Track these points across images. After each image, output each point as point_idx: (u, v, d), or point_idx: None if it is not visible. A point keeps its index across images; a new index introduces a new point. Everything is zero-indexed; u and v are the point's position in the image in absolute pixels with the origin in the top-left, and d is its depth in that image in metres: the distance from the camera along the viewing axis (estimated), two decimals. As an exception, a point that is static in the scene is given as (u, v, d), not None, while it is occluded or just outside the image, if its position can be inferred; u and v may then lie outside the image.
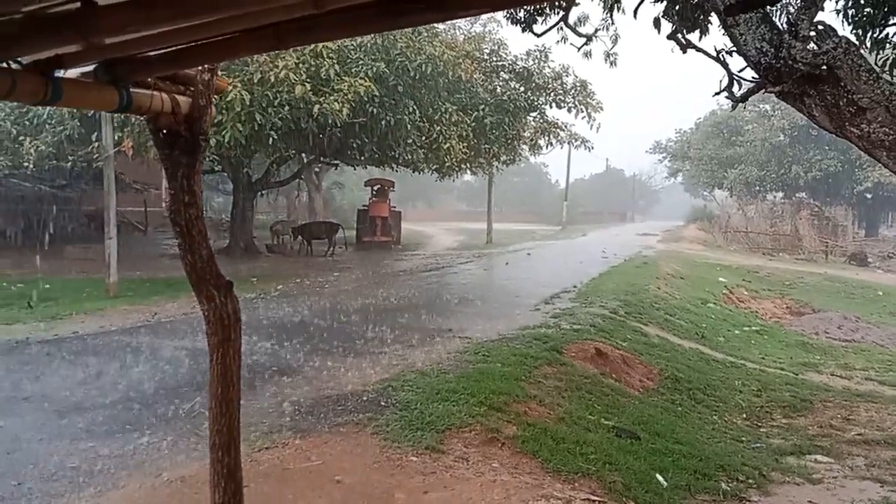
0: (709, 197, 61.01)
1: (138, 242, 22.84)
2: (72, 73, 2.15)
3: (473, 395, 6.33)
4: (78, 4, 1.74)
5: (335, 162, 25.09)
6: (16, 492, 4.58)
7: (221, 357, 2.42)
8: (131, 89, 2.24)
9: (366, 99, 16.27)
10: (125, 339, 9.74)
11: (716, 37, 8.66)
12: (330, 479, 4.53)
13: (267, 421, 5.74)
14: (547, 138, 24.52)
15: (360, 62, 16.66)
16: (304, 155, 23.12)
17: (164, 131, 2.46)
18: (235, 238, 22.01)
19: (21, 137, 16.05)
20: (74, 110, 15.42)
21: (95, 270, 15.56)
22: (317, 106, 15.12)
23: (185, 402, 6.54)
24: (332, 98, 15.36)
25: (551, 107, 23.46)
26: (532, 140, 24.39)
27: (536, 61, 22.41)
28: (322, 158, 24.05)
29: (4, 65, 1.83)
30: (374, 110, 17.49)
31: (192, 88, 2.50)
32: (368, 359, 8.29)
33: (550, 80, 22.58)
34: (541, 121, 24.18)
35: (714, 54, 7.61)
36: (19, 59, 1.88)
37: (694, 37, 8.51)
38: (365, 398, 6.35)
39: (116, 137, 14.39)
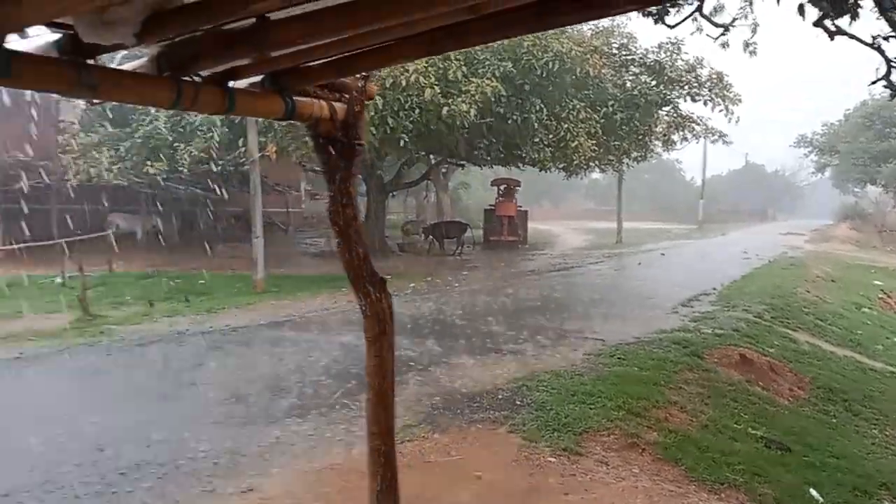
0: (860, 193, 56.17)
1: (281, 241, 24.15)
2: (241, 83, 2.31)
3: (611, 399, 6.20)
4: (253, 20, 1.87)
5: (462, 162, 25.39)
6: (183, 470, 4.98)
7: (377, 350, 2.51)
8: (294, 98, 2.37)
9: (493, 99, 16.33)
10: (273, 333, 10.36)
11: (867, 21, 7.95)
12: (470, 474, 4.59)
13: (407, 415, 5.90)
14: (681, 133, 23.57)
15: (487, 62, 16.75)
16: (432, 156, 23.57)
17: (323, 137, 2.58)
18: (369, 238, 22.79)
19: (176, 144, 17.44)
20: (223, 118, 16.56)
21: (243, 267, 16.65)
22: (445, 108, 15.37)
23: (331, 392, 6.86)
24: (459, 99, 15.55)
25: (685, 100, 22.54)
26: (665, 135, 23.52)
27: (668, 54, 21.59)
28: (450, 159, 24.41)
29: (188, 78, 1.99)
30: (501, 110, 17.51)
31: (346, 95, 2.61)
32: (501, 358, 8.32)
33: (684, 72, 21.67)
34: (674, 115, 23.27)
35: (869, 41, 7.01)
36: (200, 72, 2.03)
37: (842, 22, 7.88)
38: (499, 396, 6.38)
39: (260, 142, 15.32)
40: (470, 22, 1.89)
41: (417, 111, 15.65)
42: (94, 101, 1.79)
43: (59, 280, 15.24)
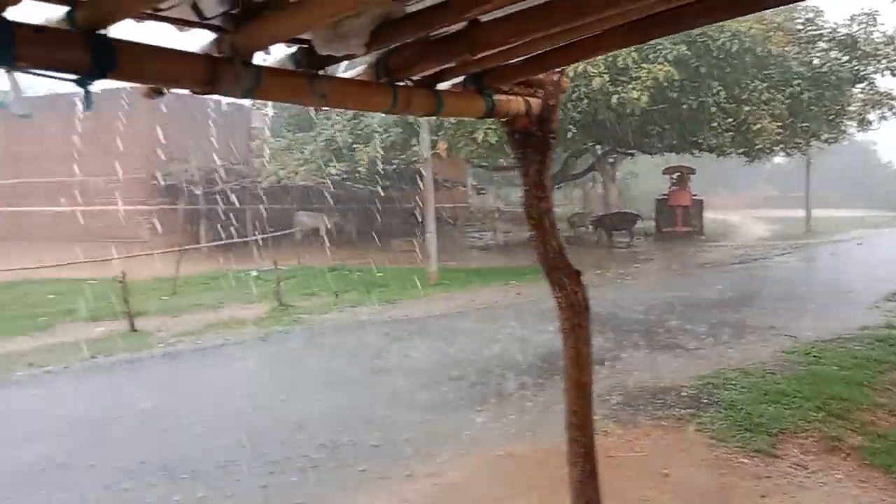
0: None
1: (449, 235, 24.82)
2: (443, 85, 2.42)
3: (808, 399, 5.76)
4: (463, 24, 1.95)
5: (631, 151, 24.62)
6: (372, 451, 5.31)
7: (574, 342, 2.54)
8: (494, 96, 2.45)
9: (665, 84, 15.68)
10: (448, 323, 10.72)
11: None
12: (657, 472, 4.48)
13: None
14: (878, 112, 21.25)
15: (659, 47, 16.09)
16: (599, 146, 23.06)
17: (519, 132, 2.64)
18: (535, 230, 22.80)
19: (355, 146, 18.50)
20: (398, 119, 17.34)
21: (416, 261, 17.33)
22: (615, 96, 14.99)
23: (507, 381, 6.99)
24: (629, 87, 15.10)
25: (883, 75, 20.28)
26: (860, 115, 21.34)
27: (863, 26, 19.53)
28: (618, 148, 23.76)
29: (401, 83, 2.12)
30: (675, 95, 16.76)
31: (541, 90, 2.64)
32: (682, 353, 8.02)
33: (881, 45, 19.52)
34: (870, 92, 21.02)
35: None
36: (412, 77, 2.16)
37: None
38: (684, 394, 6.16)
39: (431, 141, 15.85)
40: (682, 7, 1.85)
41: (585, 101, 15.40)
42: (322, 107, 1.94)
43: (254, 273, 16.75)
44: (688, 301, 11.85)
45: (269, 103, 22.15)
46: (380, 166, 19.28)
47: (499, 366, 7.81)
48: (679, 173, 26.83)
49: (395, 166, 19.74)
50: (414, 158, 17.05)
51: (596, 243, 23.34)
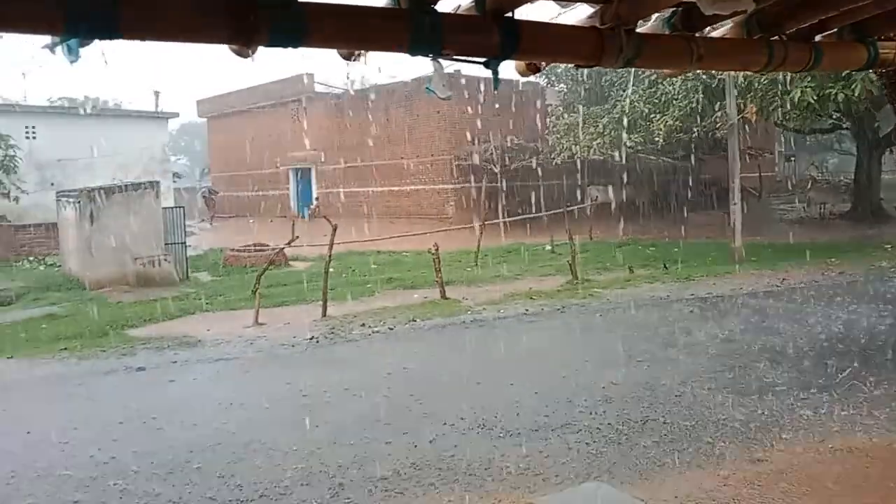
0: None
1: (753, 208, 22.87)
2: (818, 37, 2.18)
3: None
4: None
5: None
6: (689, 432, 5.11)
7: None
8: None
9: None
10: (759, 302, 9.91)
11: None
12: None
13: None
14: None
15: None
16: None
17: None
18: (860, 200, 20.00)
19: (651, 115, 17.86)
20: (699, 84, 16.33)
21: (717, 235, 16.28)
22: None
23: (833, 369, 6.28)
24: None
25: None
26: None
27: None
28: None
29: (776, 38, 1.95)
30: None
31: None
32: None
33: None
34: None
35: None
36: (787, 31, 1.98)
37: None
38: None
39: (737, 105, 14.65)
40: None
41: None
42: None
43: (548, 247, 17.17)
44: None
45: (563, 79, 22.36)
46: (678, 136, 18.44)
47: (822, 351, 7.02)
48: None
49: (693, 135, 18.67)
50: (718, 125, 15.91)
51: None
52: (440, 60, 1.39)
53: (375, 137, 26.40)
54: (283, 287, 12.83)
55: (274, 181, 31.88)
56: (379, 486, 4.40)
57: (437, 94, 1.70)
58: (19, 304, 12.47)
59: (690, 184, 22.96)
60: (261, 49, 1.47)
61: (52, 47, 1.37)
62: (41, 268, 15.81)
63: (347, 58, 1.52)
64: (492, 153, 22.21)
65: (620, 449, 4.87)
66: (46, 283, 14.02)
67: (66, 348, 8.67)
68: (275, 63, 36.09)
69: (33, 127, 23.49)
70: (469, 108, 23.96)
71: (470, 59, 1.36)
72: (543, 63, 1.73)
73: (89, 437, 5.49)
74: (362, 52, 1.41)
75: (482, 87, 21.52)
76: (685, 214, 21.06)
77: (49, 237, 17.34)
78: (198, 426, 5.72)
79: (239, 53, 1.42)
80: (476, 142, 23.32)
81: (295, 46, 1.38)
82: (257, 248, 16.22)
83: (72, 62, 1.33)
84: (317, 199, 29.26)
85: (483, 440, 5.14)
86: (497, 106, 23.54)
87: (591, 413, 5.63)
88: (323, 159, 29.05)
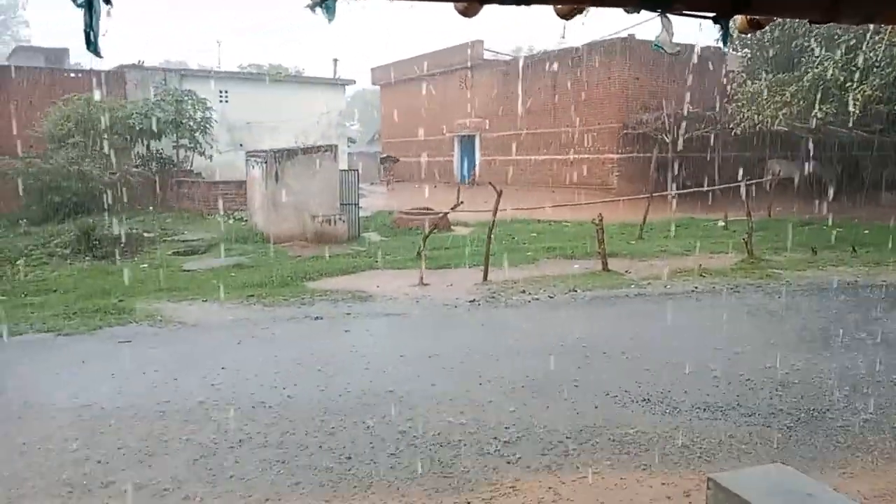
0: None
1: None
2: None
3: None
4: None
5: None
6: (872, 424, 4.72)
7: None
8: None
9: None
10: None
11: None
12: None
13: None
14: None
15: None
16: None
17: None
18: None
19: (847, 84, 16.19)
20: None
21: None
22: None
23: None
24: None
25: None
26: None
27: None
28: None
29: None
30: None
31: None
32: None
33: None
34: None
35: None
36: None
37: None
38: None
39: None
40: None
41: None
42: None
43: (721, 223, 16.27)
44: None
45: (748, 43, 20.84)
46: (878, 107, 16.65)
47: None
48: None
49: (894, 106, 16.76)
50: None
51: None
52: (668, 16, 1.36)
53: (540, 105, 26.14)
54: (445, 250, 13.19)
55: (439, 148, 32.63)
56: (538, 448, 4.48)
57: (666, 50, 1.67)
58: (212, 254, 13.79)
59: (889, 162, 20.72)
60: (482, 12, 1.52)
61: (312, 7, 1.51)
62: (230, 221, 17.32)
63: (566, 15, 1.52)
64: (664, 122, 21.22)
65: (806, 433, 4.60)
66: (235, 235, 15.36)
67: (252, 295, 9.50)
68: (447, 31, 36.65)
69: (226, 91, 25.55)
70: (641, 74, 23.01)
71: (699, 13, 1.32)
72: (767, 19, 1.63)
73: (278, 376, 6.04)
74: (584, 8, 1.42)
75: (657, 54, 20.54)
76: (880, 194, 19.06)
77: (238, 194, 18.94)
78: (371, 371, 6.11)
79: (464, 13, 1.47)
80: (647, 109, 22.40)
81: (518, 3, 1.41)
82: (423, 211, 16.77)
83: (329, 21, 1.47)
84: (473, 168, 29.79)
85: (648, 415, 5.06)
86: (677, 73, 22.42)
87: (767, 396, 5.36)
88: (487, 126, 29.26)
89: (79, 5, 1.33)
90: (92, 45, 1.38)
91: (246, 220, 17.20)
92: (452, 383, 5.78)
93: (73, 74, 23.98)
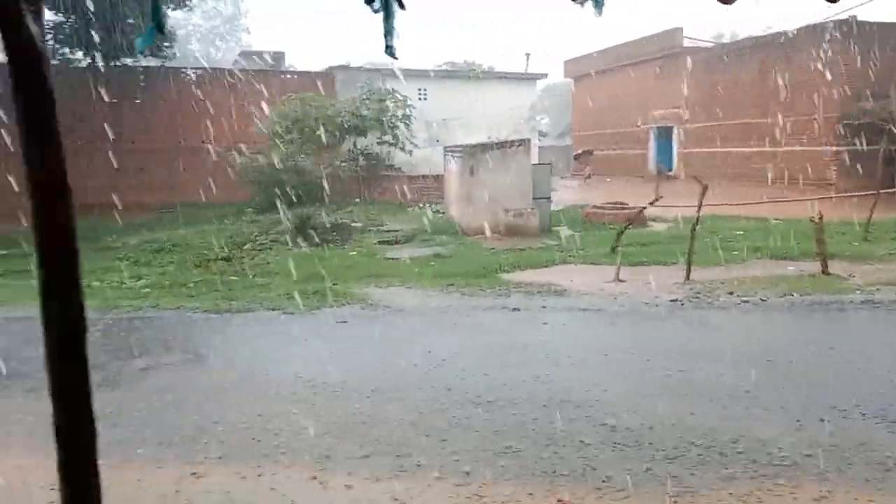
0: None
1: None
2: None
3: None
4: None
5: None
6: None
7: None
8: None
9: None
10: None
11: None
12: None
13: None
14: None
15: None
16: None
17: None
18: None
19: None
20: None
21: None
22: None
23: None
24: None
25: None
26: None
27: None
28: None
29: None
30: None
31: None
32: None
33: None
34: None
35: None
36: None
37: None
38: None
39: None
40: None
41: None
42: None
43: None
44: None
45: None
46: None
47: None
48: None
49: None
50: None
51: None
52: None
53: (745, 93, 24.41)
54: (641, 247, 12.77)
55: (633, 140, 31.60)
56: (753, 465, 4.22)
57: None
58: (412, 244, 14.49)
59: None
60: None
61: (582, 1, 1.55)
62: (428, 213, 18.07)
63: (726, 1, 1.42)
64: (892, 110, 18.91)
65: None
66: (432, 226, 16.01)
67: (451, 284, 9.86)
68: (640, 22, 35.40)
69: (424, 89, 26.60)
70: (864, 58, 20.66)
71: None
72: None
73: (489, 363, 6.23)
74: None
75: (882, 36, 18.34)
76: None
77: (435, 187, 19.73)
78: (575, 366, 6.11)
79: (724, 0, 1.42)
80: (872, 97, 20.09)
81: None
82: (616, 206, 16.36)
83: (597, 15, 1.50)
84: (670, 161, 28.55)
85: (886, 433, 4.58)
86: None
87: None
88: (686, 117, 27.87)
89: (375, 11, 1.46)
90: (389, 48, 1.51)
91: (443, 213, 17.84)
92: (660, 385, 5.61)
93: (289, 76, 26.23)
